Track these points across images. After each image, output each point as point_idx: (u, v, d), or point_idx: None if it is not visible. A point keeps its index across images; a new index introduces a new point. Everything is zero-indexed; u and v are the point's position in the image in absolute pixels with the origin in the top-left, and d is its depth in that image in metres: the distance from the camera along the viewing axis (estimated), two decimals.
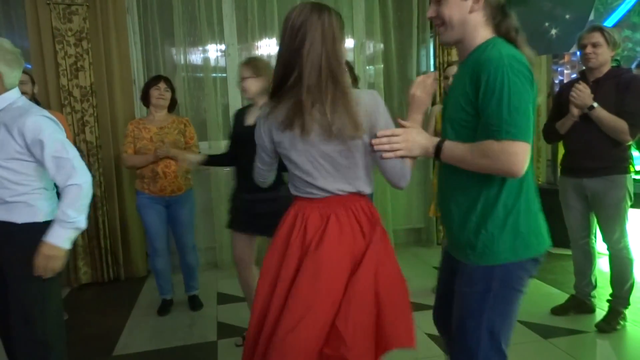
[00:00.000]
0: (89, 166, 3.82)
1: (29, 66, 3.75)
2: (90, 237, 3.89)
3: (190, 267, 3.32)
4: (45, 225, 1.82)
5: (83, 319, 3.30)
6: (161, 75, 3.29)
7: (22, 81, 3.01)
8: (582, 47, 2.63)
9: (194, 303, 3.34)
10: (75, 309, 3.44)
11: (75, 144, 3.70)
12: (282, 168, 1.69)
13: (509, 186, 1.40)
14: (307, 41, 1.40)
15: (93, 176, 3.80)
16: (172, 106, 3.27)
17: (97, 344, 2.89)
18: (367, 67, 4.59)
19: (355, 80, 3.38)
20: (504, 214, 1.40)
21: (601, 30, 2.56)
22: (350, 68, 3.35)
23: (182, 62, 4.18)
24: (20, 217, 1.83)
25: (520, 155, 1.30)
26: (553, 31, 4.08)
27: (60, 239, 1.79)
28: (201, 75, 4.26)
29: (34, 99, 3.12)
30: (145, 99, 3.19)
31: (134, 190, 3.99)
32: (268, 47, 4.31)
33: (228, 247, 4.20)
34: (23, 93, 3.09)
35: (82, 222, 1.83)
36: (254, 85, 2.49)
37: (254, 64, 2.51)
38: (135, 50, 4.14)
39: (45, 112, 1.88)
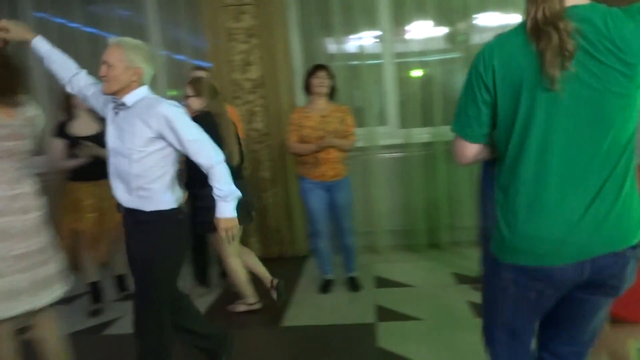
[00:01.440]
0: (257, 153, 4.18)
1: (209, 64, 4.20)
2: (260, 217, 4.26)
3: (348, 249, 3.45)
4: (169, 213, 2.01)
5: (254, 290, 3.63)
6: (321, 64, 3.42)
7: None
8: None
9: (353, 284, 3.46)
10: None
11: (244, 133, 4.07)
12: None
13: (502, 174, 1.30)
14: None
15: (261, 162, 4.18)
16: (332, 94, 3.39)
17: (267, 314, 3.16)
18: None
19: None
20: (499, 200, 1.31)
21: None
22: None
23: (338, 51, 4.30)
24: (148, 205, 2.00)
25: (455, 147, 1.40)
26: None
27: (227, 211, 1.99)
28: (356, 63, 4.33)
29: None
30: (307, 88, 3.36)
31: (298, 175, 4.29)
32: (423, 31, 4.21)
33: (385, 232, 4.25)
34: None
35: (235, 191, 2.00)
36: (195, 103, 2.92)
37: (194, 85, 2.95)
38: (296, 42, 4.37)
39: (174, 102, 2.03)
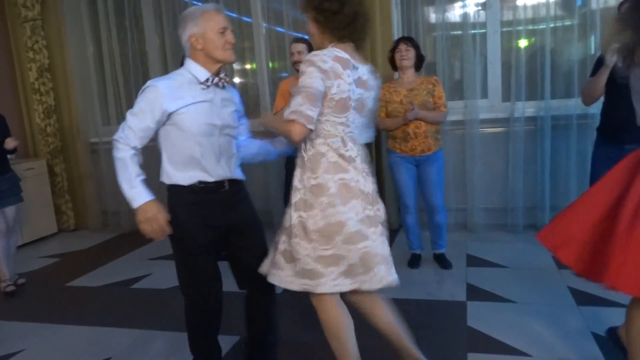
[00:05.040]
0: None
1: (307, 37, 4.24)
2: None
3: (437, 225, 3.37)
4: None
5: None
6: (403, 36, 3.34)
7: (299, 51, 3.46)
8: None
9: (442, 261, 3.40)
10: None
11: None
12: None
13: None
14: None
15: None
16: (419, 65, 3.30)
17: None
18: None
19: None
20: None
21: None
22: None
23: (441, 20, 4.13)
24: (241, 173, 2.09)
25: None
26: None
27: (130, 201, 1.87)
28: (459, 32, 4.14)
29: None
30: (392, 63, 3.30)
31: (387, 149, 4.25)
32: None
33: (480, 209, 4.11)
34: (298, 62, 3.57)
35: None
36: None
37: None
38: (396, 12, 4.26)
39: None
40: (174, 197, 1.93)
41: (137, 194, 1.79)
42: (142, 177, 1.83)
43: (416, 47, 3.25)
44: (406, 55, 3.20)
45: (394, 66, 3.32)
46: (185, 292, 2.00)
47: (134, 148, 1.83)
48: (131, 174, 1.80)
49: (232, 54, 1.90)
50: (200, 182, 1.90)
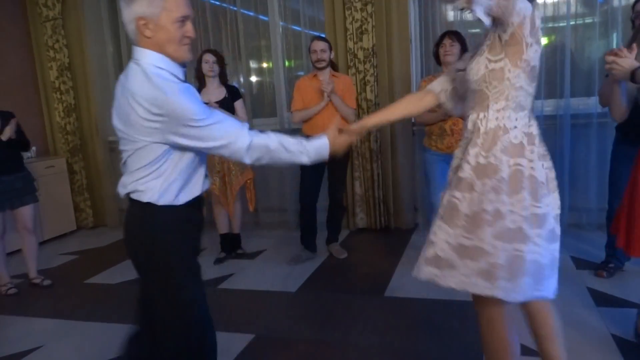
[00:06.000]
0: None
1: (323, 35, 4.25)
2: (366, 187, 4.30)
3: None
4: None
5: (359, 259, 3.72)
6: (449, 30, 3.30)
7: (322, 49, 3.46)
8: (636, 14, 2.61)
9: None
10: (352, 249, 3.90)
11: (357, 102, 4.07)
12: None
13: None
14: None
15: (370, 133, 4.17)
16: None
17: (371, 283, 3.22)
18: None
19: None
20: None
21: None
22: None
23: (458, 17, 4.09)
24: None
25: None
26: None
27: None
28: (477, 30, 4.10)
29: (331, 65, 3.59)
30: (437, 58, 3.26)
31: (407, 146, 4.23)
32: None
33: None
34: (321, 60, 3.55)
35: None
36: None
37: None
38: (414, 10, 4.24)
39: None
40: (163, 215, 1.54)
41: (314, 149, 1.56)
42: (295, 139, 1.55)
43: (462, 42, 3.15)
44: (450, 51, 3.11)
45: (439, 61, 3.24)
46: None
47: (249, 129, 1.48)
48: (288, 146, 1.51)
49: (188, 51, 1.48)
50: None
